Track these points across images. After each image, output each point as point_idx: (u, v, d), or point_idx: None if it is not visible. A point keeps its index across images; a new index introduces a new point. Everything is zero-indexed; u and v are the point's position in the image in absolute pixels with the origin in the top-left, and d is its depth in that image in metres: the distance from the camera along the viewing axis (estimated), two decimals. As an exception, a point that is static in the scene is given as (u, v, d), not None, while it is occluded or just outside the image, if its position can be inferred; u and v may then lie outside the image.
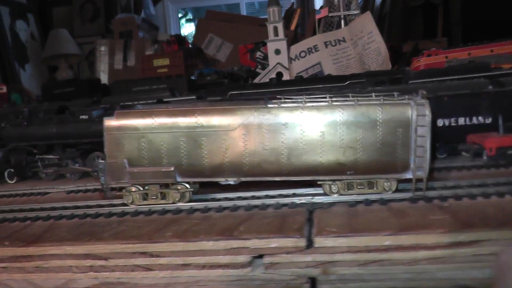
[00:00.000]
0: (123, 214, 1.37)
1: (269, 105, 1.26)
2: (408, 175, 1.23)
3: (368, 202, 1.25)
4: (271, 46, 2.99)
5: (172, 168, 1.28)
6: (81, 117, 1.88)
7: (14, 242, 1.24)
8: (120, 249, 1.16)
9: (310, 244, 1.08)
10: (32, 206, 1.53)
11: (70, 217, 1.40)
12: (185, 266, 1.14)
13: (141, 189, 1.36)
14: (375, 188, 1.27)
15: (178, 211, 1.33)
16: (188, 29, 7.52)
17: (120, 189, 1.37)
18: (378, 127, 1.21)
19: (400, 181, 1.28)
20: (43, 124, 1.91)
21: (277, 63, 2.98)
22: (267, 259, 1.10)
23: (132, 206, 1.38)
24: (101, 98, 2.44)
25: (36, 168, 1.94)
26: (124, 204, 1.39)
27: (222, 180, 1.32)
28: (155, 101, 2.22)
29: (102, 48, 5.07)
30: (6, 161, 1.94)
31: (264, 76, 3.00)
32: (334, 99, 1.26)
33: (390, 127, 1.20)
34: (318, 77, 2.94)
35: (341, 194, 1.29)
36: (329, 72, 3.00)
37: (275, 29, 2.97)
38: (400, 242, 1.04)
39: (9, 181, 1.95)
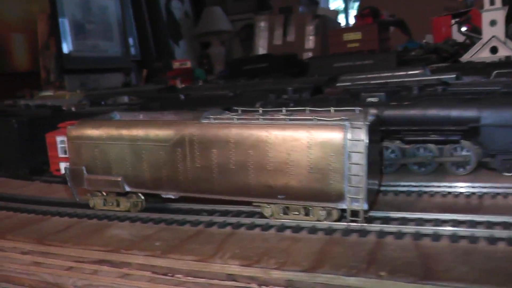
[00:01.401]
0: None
1: (202, 120, 1.18)
2: (343, 205, 1.07)
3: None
4: (486, 17, 2.66)
5: (120, 178, 1.26)
6: (368, 99, 1.53)
7: None
8: None
9: None
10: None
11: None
12: None
13: (104, 194, 1.34)
14: (311, 216, 1.13)
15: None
16: (336, 3, 7.12)
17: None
18: (308, 150, 1.07)
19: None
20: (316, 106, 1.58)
21: (492, 36, 2.65)
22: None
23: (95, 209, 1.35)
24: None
25: None
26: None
27: (163, 194, 1.25)
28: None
29: (262, 24, 5.04)
30: None
31: (477, 52, 2.71)
32: (266, 116, 1.15)
33: (321, 152, 1.06)
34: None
35: (276, 218, 1.15)
36: None
37: None
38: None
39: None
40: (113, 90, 2.98)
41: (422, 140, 1.40)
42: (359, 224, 1.07)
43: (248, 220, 1.14)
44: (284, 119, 1.12)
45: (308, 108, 1.18)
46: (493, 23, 2.61)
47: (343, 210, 1.10)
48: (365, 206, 1.05)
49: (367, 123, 1.04)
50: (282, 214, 1.15)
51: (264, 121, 1.14)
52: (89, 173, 1.30)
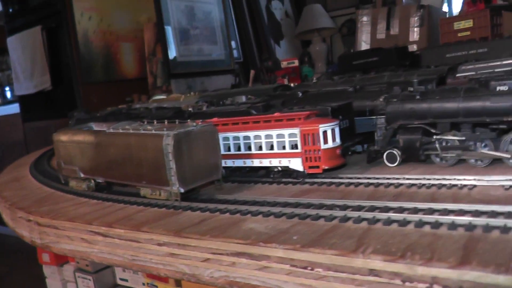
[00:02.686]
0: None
1: (107, 131, 1.66)
2: (168, 188, 1.42)
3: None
4: None
5: (77, 168, 1.75)
6: (498, 88, 1.40)
7: None
8: None
9: None
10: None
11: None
12: None
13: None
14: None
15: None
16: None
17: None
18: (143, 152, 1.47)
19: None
20: (444, 97, 1.47)
21: None
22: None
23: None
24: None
25: (430, 151, 1.50)
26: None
27: (97, 179, 1.73)
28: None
29: (364, 18, 4.92)
30: (390, 142, 1.56)
31: None
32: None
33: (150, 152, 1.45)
34: None
35: None
36: None
37: None
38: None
39: (389, 164, 1.55)
40: (228, 91, 3.05)
41: None
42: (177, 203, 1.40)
43: (384, 215, 1.10)
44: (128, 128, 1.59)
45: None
46: None
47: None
48: (181, 190, 1.38)
49: (175, 132, 1.37)
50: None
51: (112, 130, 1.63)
52: (65, 164, 1.82)
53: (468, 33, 3.65)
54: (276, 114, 1.55)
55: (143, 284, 2.25)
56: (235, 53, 5.56)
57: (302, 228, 1.09)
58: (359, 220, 1.09)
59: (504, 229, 0.94)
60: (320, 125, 1.43)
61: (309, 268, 0.98)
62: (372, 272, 0.91)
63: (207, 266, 1.12)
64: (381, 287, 0.90)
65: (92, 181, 1.76)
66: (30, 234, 1.62)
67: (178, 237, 1.17)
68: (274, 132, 1.52)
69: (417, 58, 3.09)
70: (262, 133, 1.55)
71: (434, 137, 1.47)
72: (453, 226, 1.00)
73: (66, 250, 1.49)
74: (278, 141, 1.52)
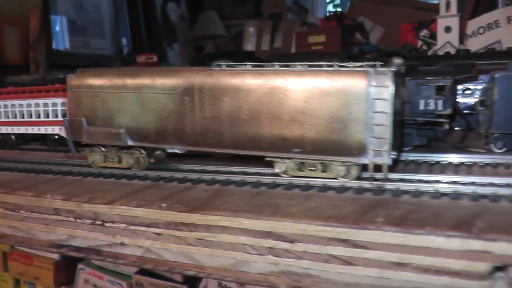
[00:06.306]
0: (307, 187, 1.10)
1: (213, 68, 1.14)
2: (365, 160, 1.02)
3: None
4: (441, 23, 2.66)
5: (122, 131, 1.22)
6: None
7: (173, 206, 1.00)
8: (314, 231, 0.89)
9: None
10: (192, 167, 1.30)
11: (241, 183, 1.15)
12: (400, 266, 0.85)
13: (103, 150, 1.31)
14: (328, 172, 1.09)
15: (380, 191, 1.05)
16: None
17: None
18: (328, 98, 1.02)
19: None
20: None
21: (446, 42, 2.64)
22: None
23: (94, 167, 1.32)
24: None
25: None
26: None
27: (168, 148, 1.23)
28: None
29: (250, 29, 5.08)
30: None
31: (431, 57, 2.70)
32: (283, 64, 1.09)
33: (343, 99, 1.00)
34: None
35: (292, 176, 1.12)
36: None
37: (448, 4, 2.63)
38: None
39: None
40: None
41: None
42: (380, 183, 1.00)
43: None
44: (302, 66, 1.06)
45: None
46: (448, 29, 2.60)
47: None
48: (389, 161, 0.99)
49: (393, 69, 0.97)
50: (296, 171, 1.10)
51: (281, 68, 1.08)
52: (89, 125, 1.25)
53: (321, 47, 3.82)
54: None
55: None
56: (125, 50, 5.48)
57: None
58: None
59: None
60: None
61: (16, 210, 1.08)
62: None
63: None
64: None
65: (143, 152, 1.27)
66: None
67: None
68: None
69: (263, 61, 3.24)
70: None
71: None
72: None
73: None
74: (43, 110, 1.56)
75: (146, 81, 1.17)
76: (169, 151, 1.22)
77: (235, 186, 1.13)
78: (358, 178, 1.06)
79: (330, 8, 6.94)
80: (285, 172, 1.11)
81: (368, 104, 0.97)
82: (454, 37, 2.60)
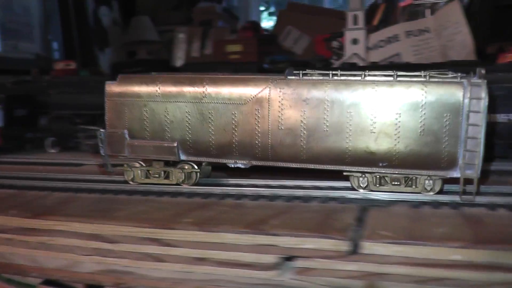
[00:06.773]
0: (147, 193, 1.19)
1: (288, 77, 1.07)
2: (455, 174, 1.01)
3: (436, 205, 1.05)
4: (348, 36, 2.84)
5: (175, 144, 1.13)
6: None
7: (21, 212, 1.10)
8: (130, 232, 0.98)
9: (355, 249, 0.87)
10: (54, 175, 1.40)
11: (90, 191, 1.24)
12: (201, 260, 0.95)
13: (143, 165, 1.22)
14: (413, 187, 1.07)
15: (208, 195, 1.14)
16: (269, 23, 7.32)
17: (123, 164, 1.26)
18: (420, 110, 0.99)
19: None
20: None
21: (353, 54, 2.82)
22: (299, 263, 0.90)
23: (132, 184, 1.25)
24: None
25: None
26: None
27: (230, 162, 1.16)
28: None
29: (181, 35, 5.10)
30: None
31: (339, 67, 2.86)
32: (369, 73, 1.04)
33: (436, 111, 0.98)
34: (395, 64, 2.71)
35: (371, 190, 1.10)
36: (408, 64, 2.71)
37: (355, 18, 2.82)
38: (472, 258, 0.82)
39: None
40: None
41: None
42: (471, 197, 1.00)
43: None
44: (391, 75, 1.02)
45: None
46: (355, 41, 2.80)
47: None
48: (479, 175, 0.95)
49: (485, 80, 0.94)
50: (378, 185, 1.08)
51: (369, 77, 1.03)
52: (133, 138, 1.15)
53: (238, 56, 3.95)
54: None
55: None
56: (56, 54, 5.43)
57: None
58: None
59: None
60: None
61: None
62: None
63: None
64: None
65: (195, 166, 1.21)
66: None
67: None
68: None
69: (179, 70, 3.31)
70: None
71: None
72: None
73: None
74: None
75: (208, 89, 1.10)
76: (231, 165, 1.15)
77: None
78: (441, 192, 1.07)
79: (265, 15, 7.11)
80: (366, 187, 1.09)
81: (463, 117, 0.96)
82: (361, 49, 2.82)
